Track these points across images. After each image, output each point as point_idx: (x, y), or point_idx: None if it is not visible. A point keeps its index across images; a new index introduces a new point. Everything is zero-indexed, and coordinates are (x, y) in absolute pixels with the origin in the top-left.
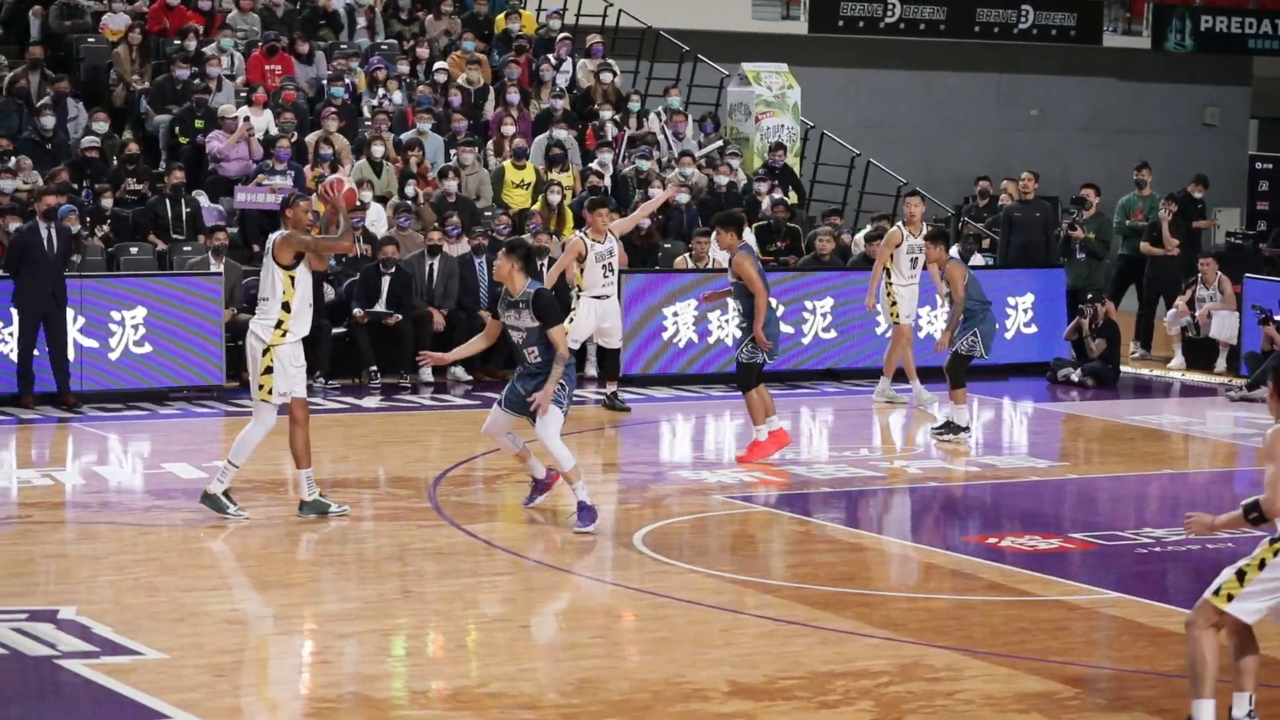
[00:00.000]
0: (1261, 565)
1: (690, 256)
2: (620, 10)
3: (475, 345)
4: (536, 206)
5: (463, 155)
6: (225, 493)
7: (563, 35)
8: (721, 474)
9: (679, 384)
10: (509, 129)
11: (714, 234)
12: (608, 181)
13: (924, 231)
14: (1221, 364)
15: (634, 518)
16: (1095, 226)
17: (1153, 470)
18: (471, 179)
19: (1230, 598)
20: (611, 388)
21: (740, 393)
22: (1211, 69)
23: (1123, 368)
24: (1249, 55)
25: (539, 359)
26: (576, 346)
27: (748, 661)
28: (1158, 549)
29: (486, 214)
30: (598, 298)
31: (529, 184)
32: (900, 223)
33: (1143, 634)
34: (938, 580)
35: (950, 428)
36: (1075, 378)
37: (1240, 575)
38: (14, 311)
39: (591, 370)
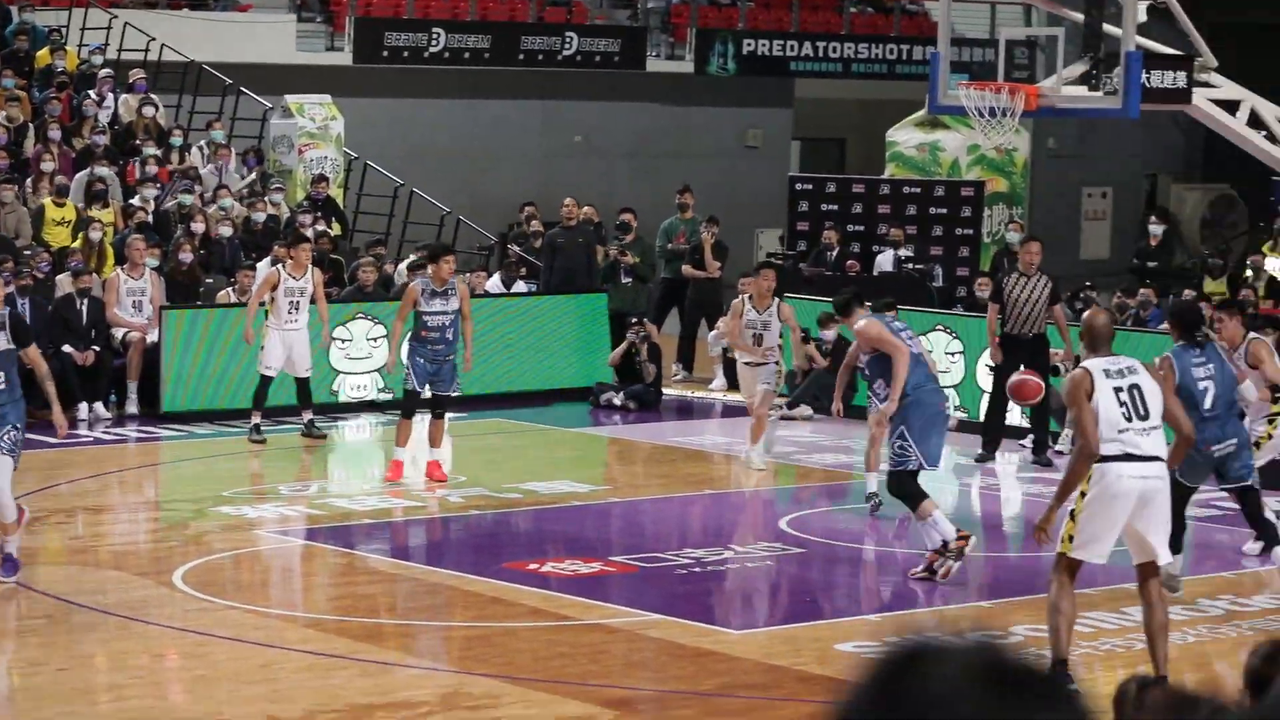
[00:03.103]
0: (1083, 495)
1: (234, 290)
2: (163, 45)
3: None
4: (77, 244)
5: (2, 193)
6: None
7: (105, 72)
8: (263, 509)
9: (220, 419)
10: (49, 165)
11: None
12: (150, 217)
13: (773, 306)
14: None
15: (175, 555)
16: (638, 250)
17: (695, 491)
18: (10, 217)
19: (1070, 539)
20: (307, 416)
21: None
22: (754, 92)
23: (665, 390)
24: (791, 77)
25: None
26: (273, 374)
27: (287, 696)
28: (698, 569)
29: (26, 252)
30: (287, 330)
31: (69, 221)
32: (746, 297)
33: (683, 654)
34: (479, 608)
35: None
36: (618, 401)
37: (1071, 515)
38: None
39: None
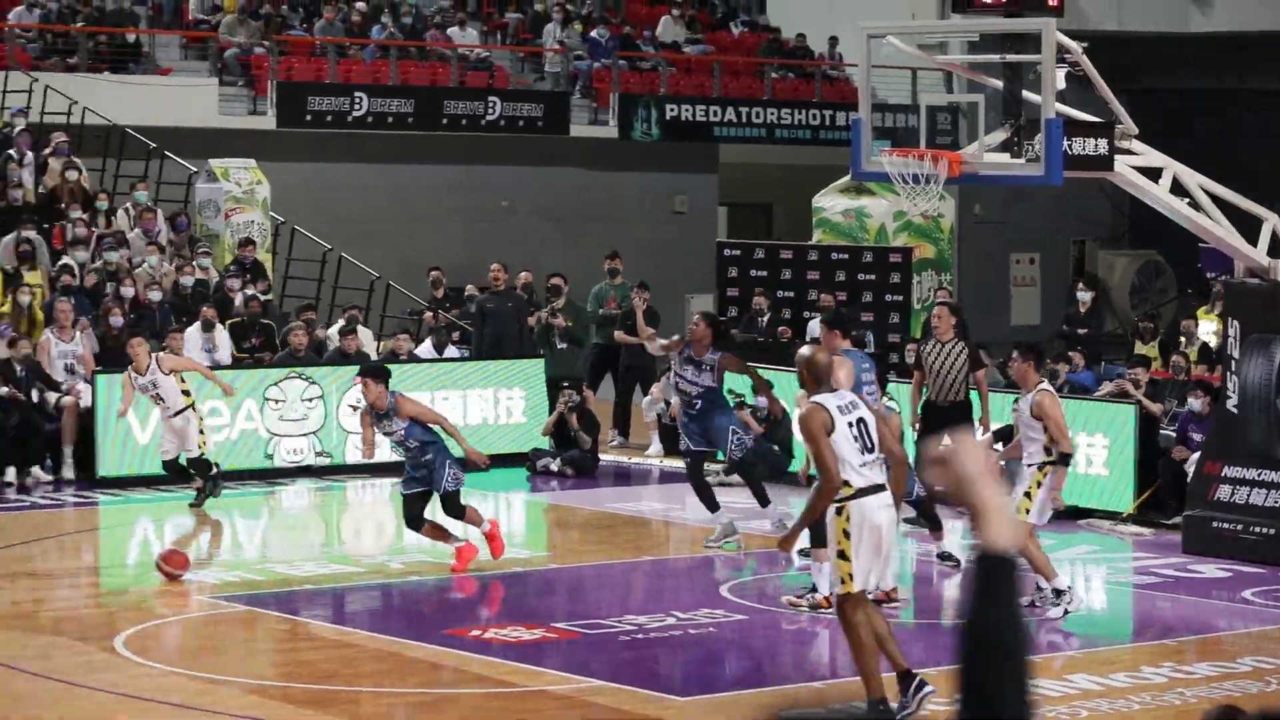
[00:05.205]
0: (847, 536)
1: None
2: (85, 108)
3: None
4: (5, 308)
5: None
6: None
7: (21, 129)
8: (203, 574)
9: (157, 484)
10: None
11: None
12: (78, 280)
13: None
14: None
15: (117, 620)
16: (570, 314)
17: (634, 557)
18: None
19: (850, 576)
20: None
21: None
22: (679, 157)
23: (601, 456)
24: (715, 143)
25: None
26: (170, 457)
27: None
28: (640, 635)
29: None
30: (170, 419)
31: None
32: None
33: (629, 718)
34: (422, 674)
35: None
36: (555, 467)
37: (841, 556)
38: None
39: None
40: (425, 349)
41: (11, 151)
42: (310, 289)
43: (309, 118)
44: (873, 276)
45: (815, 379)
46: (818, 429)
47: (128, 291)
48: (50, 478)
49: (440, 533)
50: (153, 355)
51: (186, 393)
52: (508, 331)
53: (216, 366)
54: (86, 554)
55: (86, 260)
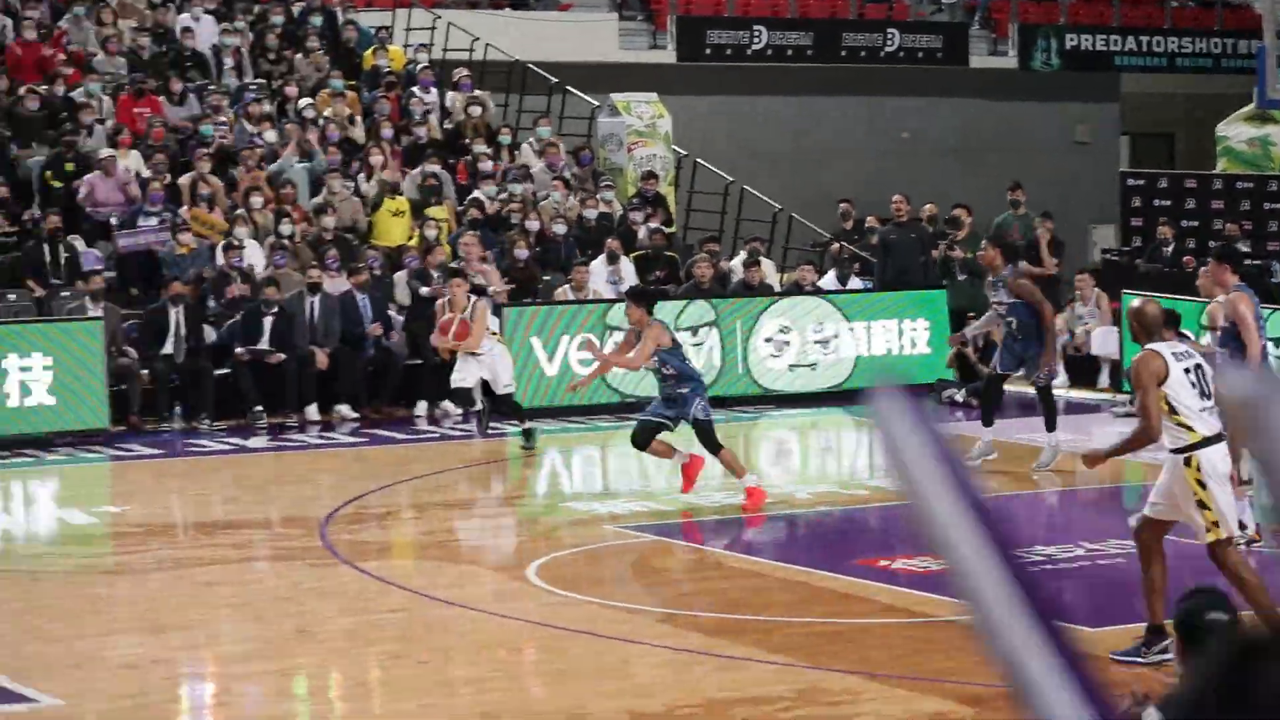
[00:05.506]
0: (1204, 486)
1: (570, 288)
2: (487, 44)
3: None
4: (413, 241)
5: (331, 182)
6: None
7: (424, 65)
8: (612, 504)
9: (564, 416)
10: (377, 159)
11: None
12: (488, 212)
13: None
14: (1104, 380)
15: (527, 550)
16: (971, 246)
17: (1040, 489)
18: (345, 206)
19: (1216, 524)
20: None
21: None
22: (1080, 87)
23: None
24: (1116, 72)
25: None
26: (467, 386)
27: (646, 691)
28: (1049, 566)
29: (367, 248)
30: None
31: (403, 212)
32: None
33: None
34: (832, 604)
35: None
36: (959, 398)
37: (1201, 505)
38: None
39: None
40: (829, 280)
41: (415, 88)
42: (712, 221)
43: (708, 51)
44: (1279, 206)
45: (1146, 331)
46: (1149, 377)
47: (532, 225)
48: (460, 411)
49: (667, 450)
50: (472, 300)
51: (493, 332)
52: (911, 263)
53: (622, 299)
54: (496, 484)
55: (493, 194)
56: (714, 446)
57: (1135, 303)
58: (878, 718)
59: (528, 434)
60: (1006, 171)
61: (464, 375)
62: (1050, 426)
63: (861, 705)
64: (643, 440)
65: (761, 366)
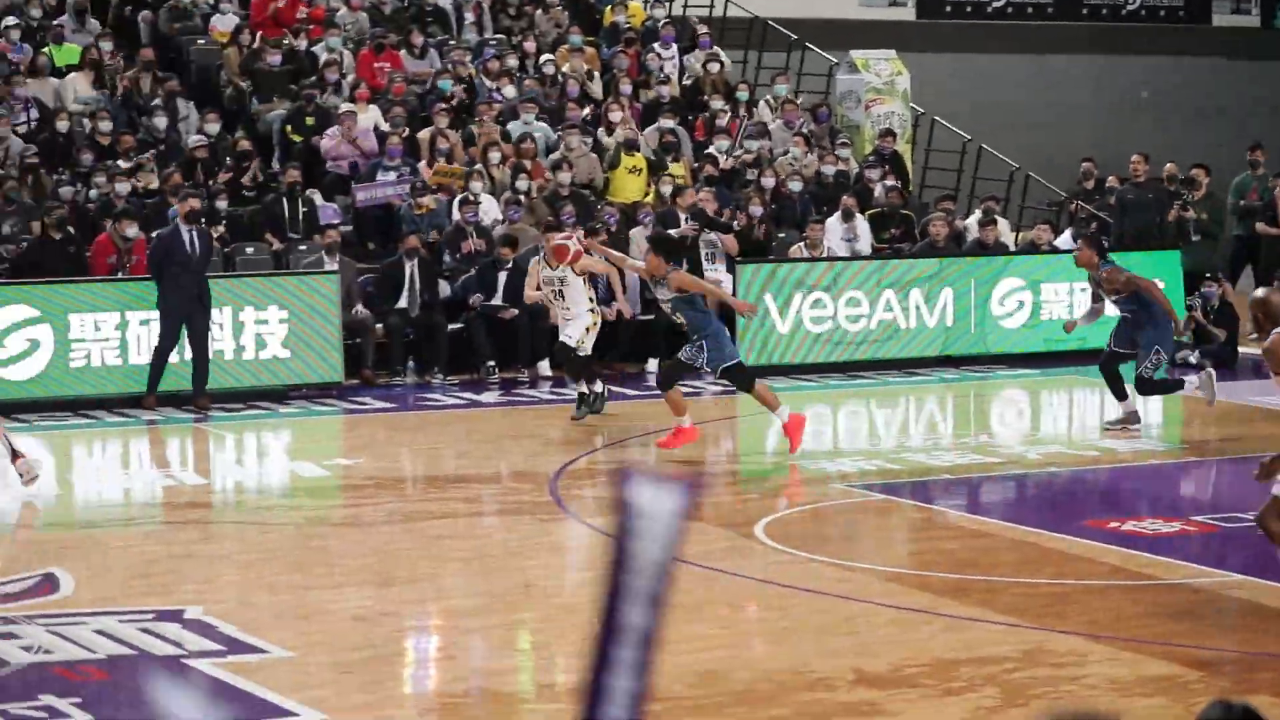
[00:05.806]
0: None
1: (805, 245)
2: (727, 1)
3: None
4: (649, 198)
5: (569, 138)
6: None
7: (664, 22)
8: (841, 462)
9: (794, 373)
10: (616, 115)
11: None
12: (723, 168)
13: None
14: None
15: (753, 508)
16: (1207, 207)
17: (1273, 451)
18: (582, 161)
19: None
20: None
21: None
22: None
23: (1240, 349)
24: None
25: None
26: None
27: (872, 650)
28: None
29: (603, 204)
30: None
31: (640, 170)
32: None
33: (1268, 616)
34: (1059, 565)
35: None
36: (1193, 359)
37: None
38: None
39: None
40: (1064, 240)
41: (655, 45)
42: (949, 179)
43: (949, 9)
44: None
45: (1272, 319)
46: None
47: (768, 181)
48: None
49: (680, 406)
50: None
51: (591, 300)
52: (1148, 223)
53: (856, 257)
54: (726, 441)
55: (729, 150)
56: (746, 384)
57: (1259, 293)
58: (1104, 680)
59: (582, 399)
60: (1247, 132)
61: (570, 333)
62: (1119, 396)
63: (1088, 667)
64: (668, 381)
65: (994, 325)
